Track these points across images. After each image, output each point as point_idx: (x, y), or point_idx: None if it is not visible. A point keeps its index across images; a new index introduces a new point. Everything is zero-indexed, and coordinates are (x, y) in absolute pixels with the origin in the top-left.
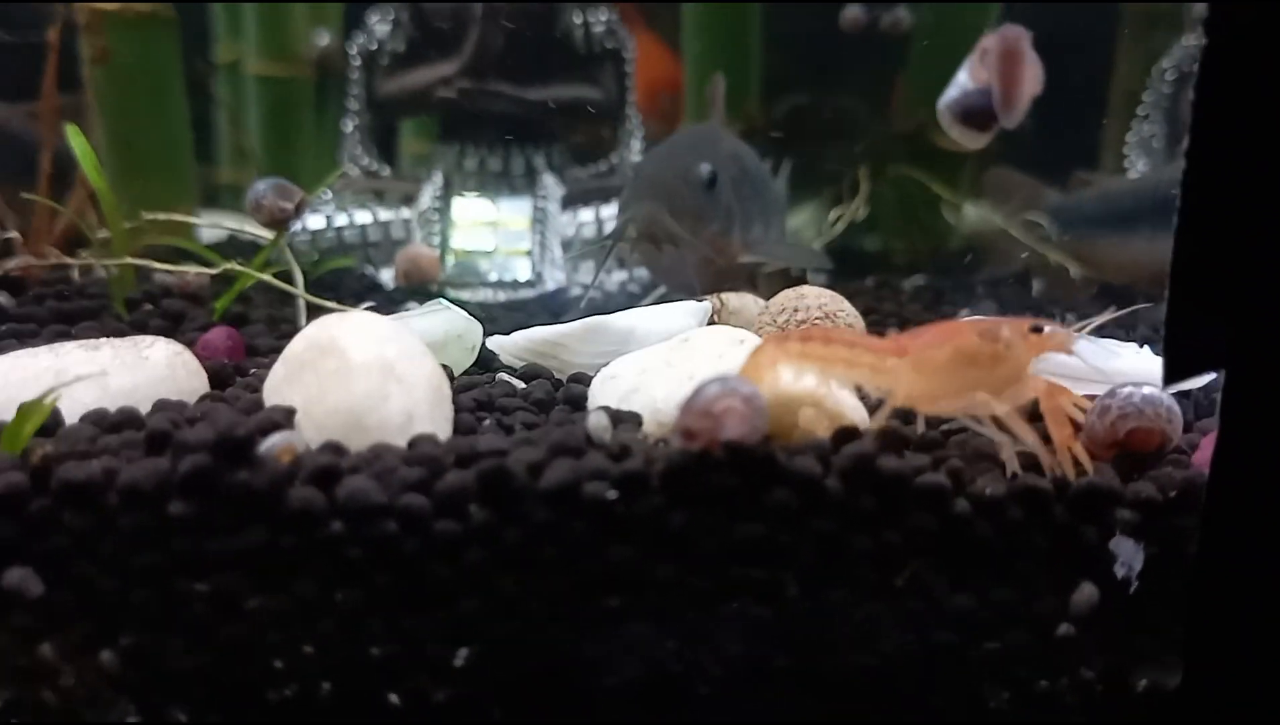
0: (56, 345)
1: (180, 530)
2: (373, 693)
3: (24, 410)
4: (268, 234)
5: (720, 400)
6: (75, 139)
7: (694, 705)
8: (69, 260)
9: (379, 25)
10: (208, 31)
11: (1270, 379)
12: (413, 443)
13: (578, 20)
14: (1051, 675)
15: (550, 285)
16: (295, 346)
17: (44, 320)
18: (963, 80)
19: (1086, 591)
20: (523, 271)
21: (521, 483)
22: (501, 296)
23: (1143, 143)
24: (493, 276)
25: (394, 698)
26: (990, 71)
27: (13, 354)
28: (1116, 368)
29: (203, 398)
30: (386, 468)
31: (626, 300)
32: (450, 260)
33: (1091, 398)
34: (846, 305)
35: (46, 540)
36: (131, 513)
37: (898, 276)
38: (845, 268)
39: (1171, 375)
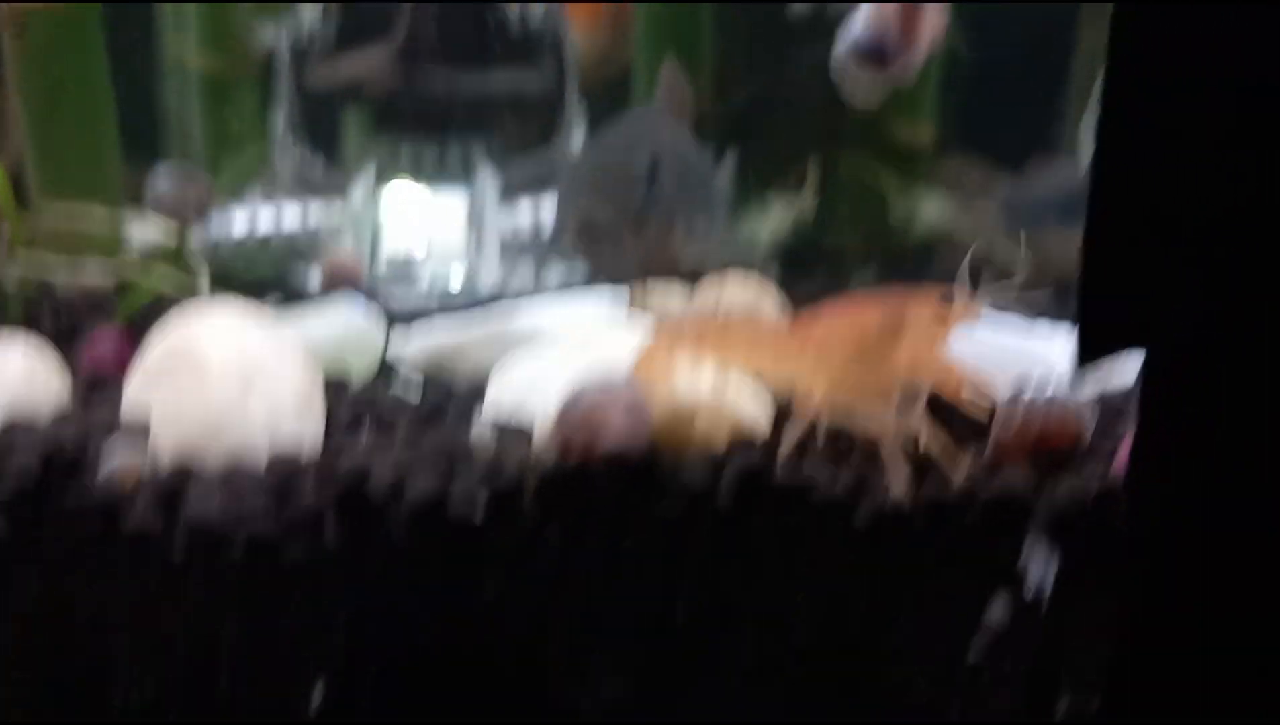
0: None
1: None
2: None
3: None
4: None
5: (601, 406)
6: None
7: None
8: None
9: (309, 13)
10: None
11: (1185, 364)
12: (273, 457)
13: (515, 7)
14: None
15: (486, 286)
16: (154, 352)
17: None
18: (857, 24)
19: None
20: (457, 271)
21: (379, 499)
22: (433, 302)
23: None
24: (426, 276)
25: None
26: (886, 13)
27: None
28: (1029, 348)
29: (59, 410)
30: (237, 487)
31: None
32: (381, 261)
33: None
34: (768, 302)
35: None
36: None
37: (850, 271)
38: (796, 263)
39: (1084, 356)
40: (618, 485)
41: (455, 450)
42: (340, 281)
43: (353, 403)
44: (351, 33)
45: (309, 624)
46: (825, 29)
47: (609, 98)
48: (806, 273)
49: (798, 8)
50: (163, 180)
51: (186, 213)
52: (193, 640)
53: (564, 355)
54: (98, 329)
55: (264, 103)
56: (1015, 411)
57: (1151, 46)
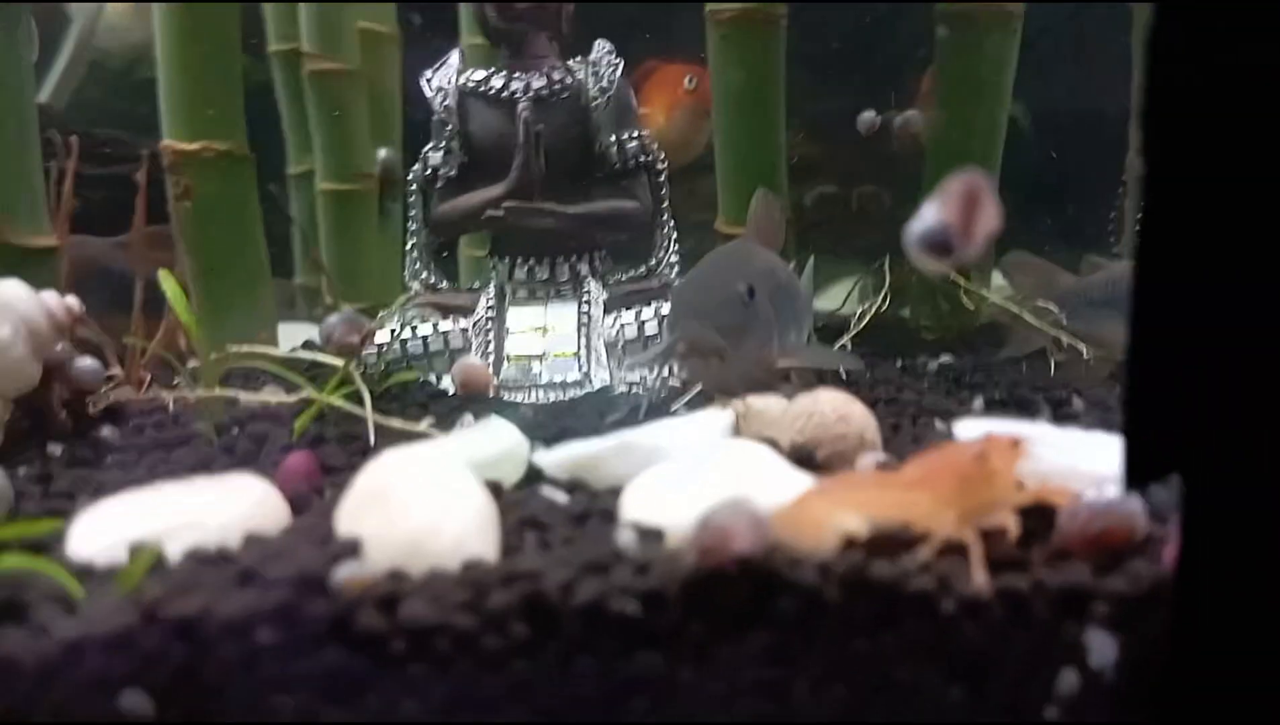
0: (159, 485)
1: (268, 656)
2: None
3: (135, 553)
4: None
5: (730, 521)
6: (166, 281)
7: None
8: (164, 392)
9: (432, 153)
10: (281, 145)
11: (1225, 482)
12: (466, 566)
13: (612, 139)
14: None
15: (596, 384)
16: (359, 484)
17: (144, 448)
18: (927, 214)
19: (1069, 679)
20: (571, 373)
21: (554, 600)
22: (553, 396)
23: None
24: (544, 378)
25: None
26: (951, 211)
27: (118, 497)
28: (1094, 469)
29: (286, 529)
30: (439, 592)
31: (668, 394)
32: (506, 365)
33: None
34: (858, 407)
35: (156, 668)
36: (226, 642)
37: (925, 356)
38: (876, 349)
39: (1132, 479)
40: (746, 583)
41: (605, 553)
42: (471, 386)
43: (512, 510)
44: (470, 167)
45: (501, 702)
46: (888, 134)
47: (686, 178)
48: (888, 357)
49: (865, 119)
50: (333, 323)
51: (354, 349)
52: (408, 714)
53: (689, 469)
54: (292, 452)
55: (383, 215)
56: (1076, 515)
57: (1188, 171)
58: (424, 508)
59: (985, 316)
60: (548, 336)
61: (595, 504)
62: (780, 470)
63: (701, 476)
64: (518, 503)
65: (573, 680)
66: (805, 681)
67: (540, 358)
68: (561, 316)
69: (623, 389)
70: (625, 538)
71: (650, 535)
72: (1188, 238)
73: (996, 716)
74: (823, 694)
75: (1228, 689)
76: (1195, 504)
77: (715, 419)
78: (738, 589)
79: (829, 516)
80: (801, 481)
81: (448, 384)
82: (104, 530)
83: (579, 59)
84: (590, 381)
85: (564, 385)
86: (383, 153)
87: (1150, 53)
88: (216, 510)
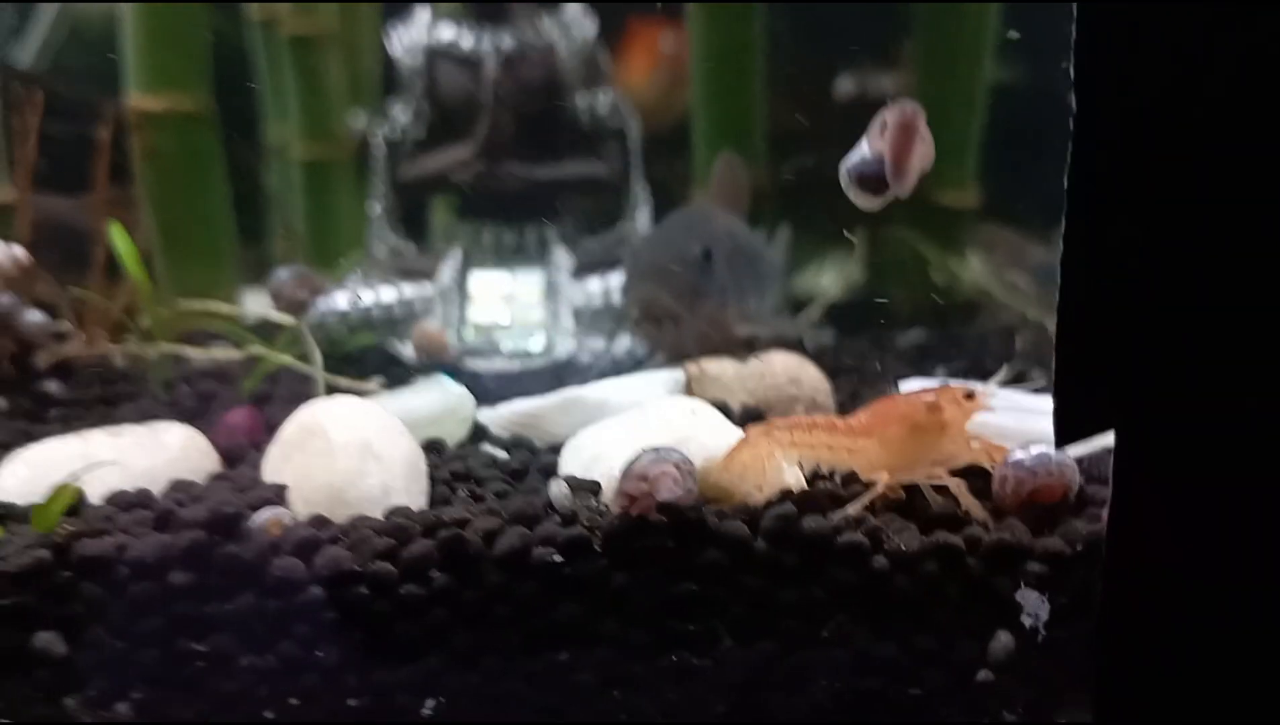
0: (85, 432)
1: (181, 597)
2: None
3: (54, 493)
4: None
5: (655, 466)
6: (117, 236)
7: None
8: (112, 347)
9: (400, 114)
10: (257, 116)
11: (1157, 434)
12: (388, 514)
13: (583, 102)
14: (973, 716)
15: (561, 353)
16: (287, 429)
17: (89, 404)
18: (863, 149)
19: (1002, 639)
20: (536, 341)
21: (476, 549)
22: (517, 365)
23: None
24: (508, 346)
25: None
26: (885, 143)
27: (46, 442)
28: (1040, 425)
29: (212, 477)
30: (361, 537)
31: (633, 365)
32: (470, 331)
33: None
34: (810, 369)
35: (68, 606)
36: (140, 582)
37: (898, 331)
38: (849, 324)
39: (1062, 437)
40: (672, 534)
41: (536, 506)
42: (429, 350)
43: (449, 466)
44: (439, 130)
45: (422, 647)
46: (870, 105)
47: (664, 142)
48: (858, 333)
49: (843, 86)
50: (283, 279)
51: (302, 304)
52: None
53: (625, 424)
54: (233, 407)
55: (358, 185)
56: (1006, 484)
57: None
58: (348, 454)
59: (961, 293)
60: (513, 303)
61: (535, 460)
62: (721, 426)
63: (642, 431)
64: (457, 458)
65: (491, 629)
66: (729, 633)
67: (504, 325)
68: (527, 283)
69: (587, 358)
70: (558, 490)
71: (586, 488)
72: (1114, 197)
73: (930, 669)
74: (749, 646)
75: (1160, 645)
76: (1126, 459)
77: (662, 377)
78: (662, 538)
79: (771, 457)
80: (726, 434)
81: (408, 351)
82: (27, 473)
83: (550, 19)
84: (555, 350)
85: (528, 353)
86: (359, 120)
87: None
88: (141, 456)
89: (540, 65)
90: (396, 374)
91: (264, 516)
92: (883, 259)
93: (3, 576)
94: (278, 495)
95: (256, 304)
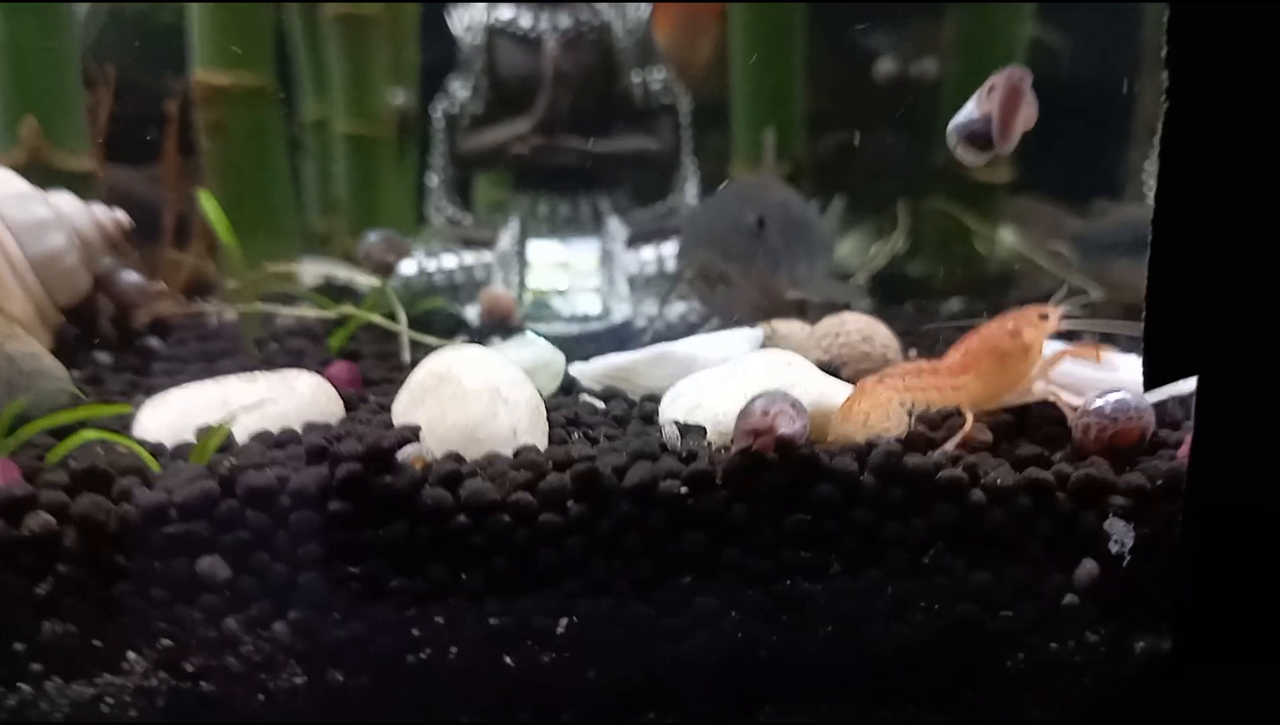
0: (221, 378)
1: (338, 525)
2: (492, 657)
3: (206, 432)
4: (363, 277)
5: (774, 405)
6: (207, 202)
7: (753, 668)
8: (208, 307)
9: (460, 90)
10: (295, 92)
11: (1237, 382)
12: (518, 452)
13: (637, 79)
14: (1060, 639)
15: (617, 318)
16: (417, 376)
17: (188, 359)
18: (970, 109)
19: (1088, 567)
20: (592, 306)
21: (609, 482)
22: (574, 329)
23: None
24: (565, 312)
25: (509, 660)
26: (993, 104)
27: (187, 387)
28: (1117, 379)
29: (342, 420)
30: (499, 472)
31: (686, 331)
32: (528, 298)
33: None
34: (881, 328)
35: (232, 534)
36: (299, 511)
37: (937, 301)
38: (890, 294)
39: (1152, 381)
40: (787, 471)
41: (653, 445)
42: (496, 314)
43: (553, 411)
44: (496, 104)
45: (555, 573)
46: (909, 85)
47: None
48: (899, 301)
49: (883, 67)
50: (372, 241)
51: (390, 267)
52: (469, 584)
53: (725, 375)
54: (335, 360)
55: (400, 159)
56: (1089, 432)
57: (1209, 86)
58: (480, 399)
59: (995, 264)
60: (569, 271)
61: (633, 410)
62: (814, 374)
63: (740, 380)
64: (559, 407)
65: (620, 556)
66: (841, 562)
67: (561, 292)
68: (583, 252)
69: (642, 323)
70: (669, 432)
71: (693, 431)
72: (1209, 149)
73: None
74: (857, 575)
75: (1236, 575)
76: (1209, 402)
77: (744, 335)
78: (777, 473)
79: (890, 403)
80: (834, 385)
81: (471, 315)
82: (171, 416)
83: None
84: (610, 315)
85: (585, 318)
86: (400, 98)
87: None
88: (276, 399)
89: (596, 44)
90: (464, 336)
91: (409, 452)
92: (921, 231)
93: (173, 505)
94: (415, 434)
95: (312, 270)
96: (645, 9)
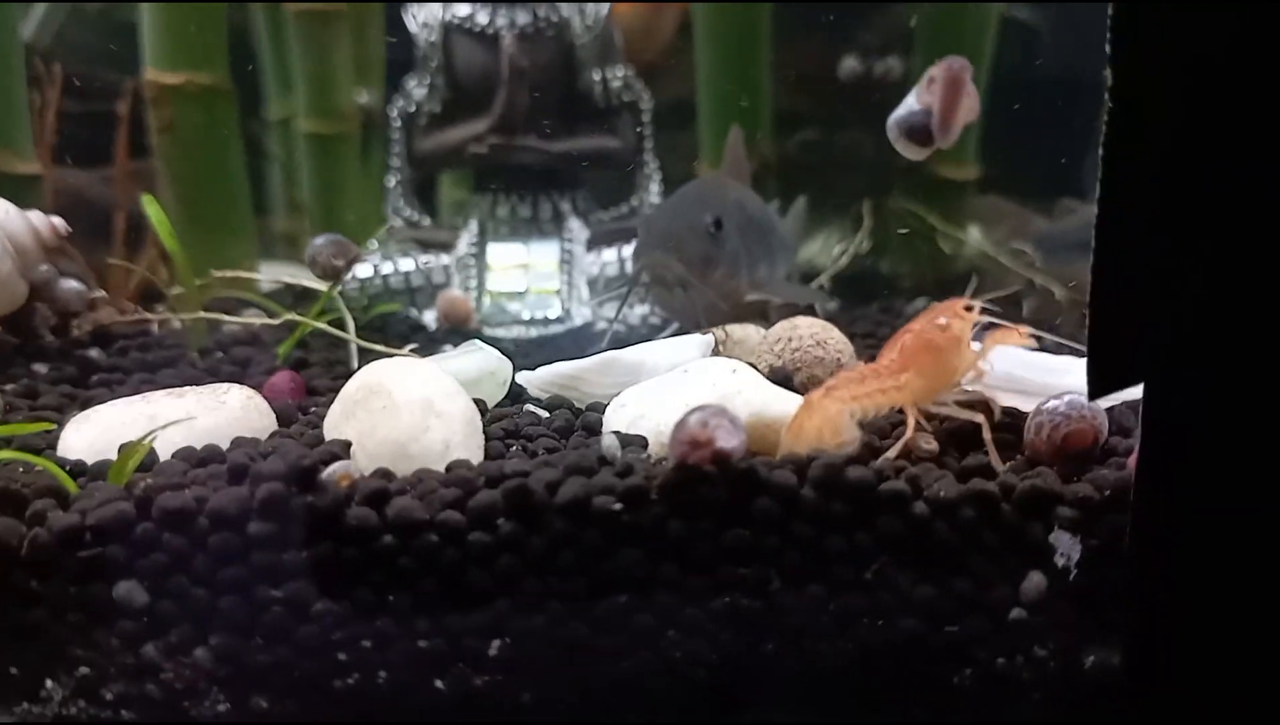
0: (148, 394)
1: (260, 546)
2: (422, 680)
3: (126, 450)
4: (320, 282)
5: (713, 418)
6: (150, 207)
7: (692, 688)
8: (149, 315)
9: (416, 89)
10: (259, 90)
11: (1185, 387)
12: (450, 467)
13: (597, 77)
14: (1008, 654)
15: (577, 321)
16: (349, 388)
17: (129, 370)
18: (910, 101)
19: (1035, 579)
20: (552, 309)
21: (541, 498)
22: (533, 332)
23: None
24: (525, 315)
25: (440, 684)
26: (933, 97)
27: (111, 403)
28: (1063, 383)
29: (272, 434)
30: (428, 489)
31: (648, 332)
32: (486, 301)
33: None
34: (835, 332)
35: (149, 558)
36: (219, 533)
37: (903, 301)
38: (854, 294)
39: (1097, 388)
40: (725, 485)
41: (591, 458)
42: (454, 318)
43: (494, 422)
44: (453, 103)
45: (485, 593)
46: (874, 84)
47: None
48: (866, 301)
49: (847, 65)
50: (319, 245)
51: (339, 272)
52: (398, 605)
53: (669, 384)
54: (279, 370)
55: (363, 158)
56: (1042, 430)
57: (1152, 87)
58: (411, 411)
59: (962, 263)
60: (529, 273)
61: (577, 420)
62: (760, 384)
63: (684, 390)
64: (500, 418)
65: (554, 574)
66: (781, 578)
67: (520, 295)
68: (543, 254)
69: (602, 326)
70: (610, 443)
71: (634, 443)
72: (1150, 154)
73: (966, 610)
74: (799, 590)
75: (1186, 587)
76: (1156, 409)
77: (694, 341)
78: (715, 487)
79: (840, 416)
80: (781, 396)
81: (429, 318)
82: (94, 433)
83: None
84: (571, 318)
85: (545, 321)
86: (364, 96)
87: None
88: (204, 415)
89: (555, 40)
90: (421, 341)
91: (334, 470)
92: (887, 230)
93: (86, 528)
94: (343, 450)
95: (271, 274)
96: (604, 6)
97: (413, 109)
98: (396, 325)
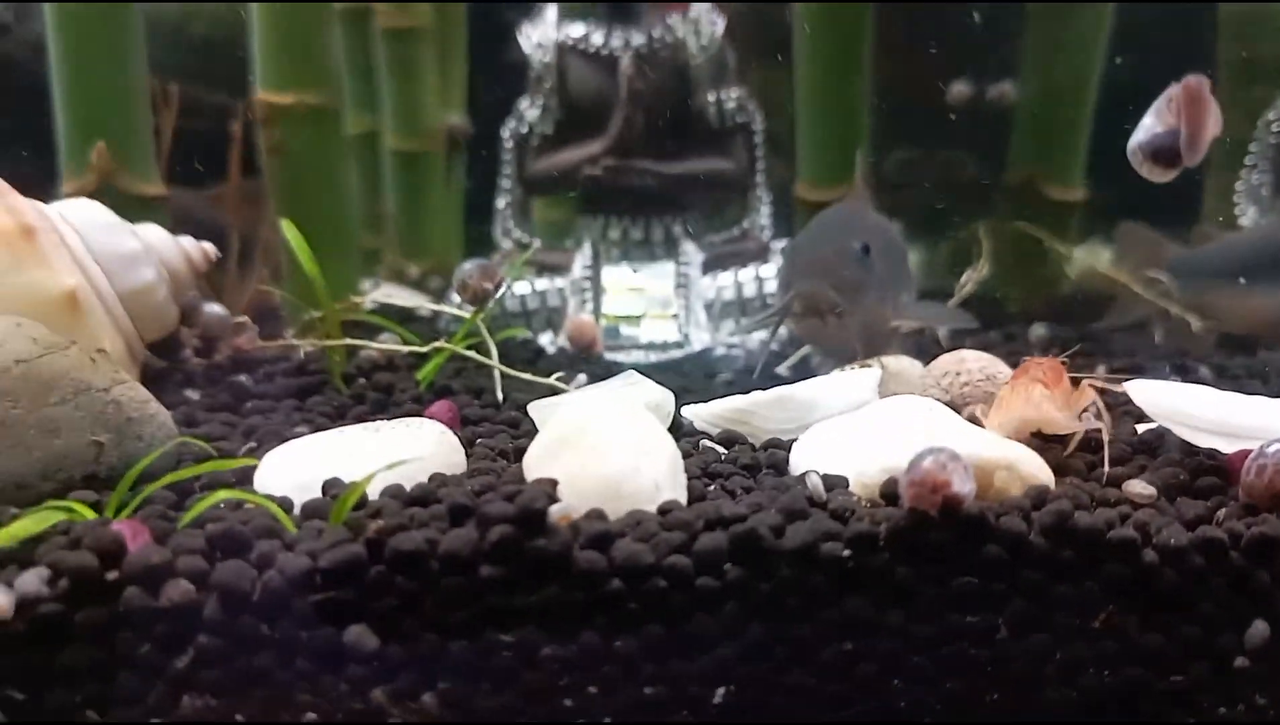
0: (343, 429)
1: (489, 590)
2: None
3: (345, 489)
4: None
5: (948, 463)
6: (288, 231)
7: None
8: (296, 342)
9: (529, 110)
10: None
11: None
12: (663, 509)
13: (711, 98)
14: (1229, 703)
15: (696, 346)
16: (554, 429)
17: (277, 396)
18: (1149, 123)
19: (1259, 627)
20: (670, 333)
21: (769, 544)
22: (652, 357)
23: (1251, 192)
24: (643, 339)
25: None
26: (1177, 116)
27: (311, 437)
28: (1257, 423)
29: (473, 473)
30: (649, 532)
31: (771, 358)
32: (603, 324)
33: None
34: (1002, 366)
35: (380, 601)
36: (450, 576)
37: (1017, 326)
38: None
39: None
40: (952, 530)
41: (801, 501)
42: (582, 342)
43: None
44: (567, 124)
45: (711, 638)
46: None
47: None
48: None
49: (958, 89)
50: (467, 270)
51: (488, 296)
52: (623, 650)
53: (863, 421)
54: (432, 399)
55: (448, 177)
56: (1264, 473)
57: None
58: (623, 451)
59: (1070, 286)
60: (644, 297)
61: (760, 456)
62: (953, 422)
63: (876, 429)
64: (687, 455)
65: (783, 621)
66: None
67: (637, 319)
68: (657, 277)
69: (723, 351)
70: (814, 483)
71: (836, 483)
72: None
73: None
74: (1025, 638)
75: None
76: None
77: (864, 376)
78: (944, 533)
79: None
80: (973, 433)
81: (545, 341)
82: (294, 468)
83: (679, 16)
84: (690, 343)
85: (664, 345)
86: (452, 118)
87: None
88: (401, 451)
89: (670, 62)
90: (546, 367)
91: (554, 511)
92: (1007, 254)
93: (318, 572)
94: (553, 489)
95: (378, 296)
96: (720, 26)
97: (525, 130)
98: (516, 350)
